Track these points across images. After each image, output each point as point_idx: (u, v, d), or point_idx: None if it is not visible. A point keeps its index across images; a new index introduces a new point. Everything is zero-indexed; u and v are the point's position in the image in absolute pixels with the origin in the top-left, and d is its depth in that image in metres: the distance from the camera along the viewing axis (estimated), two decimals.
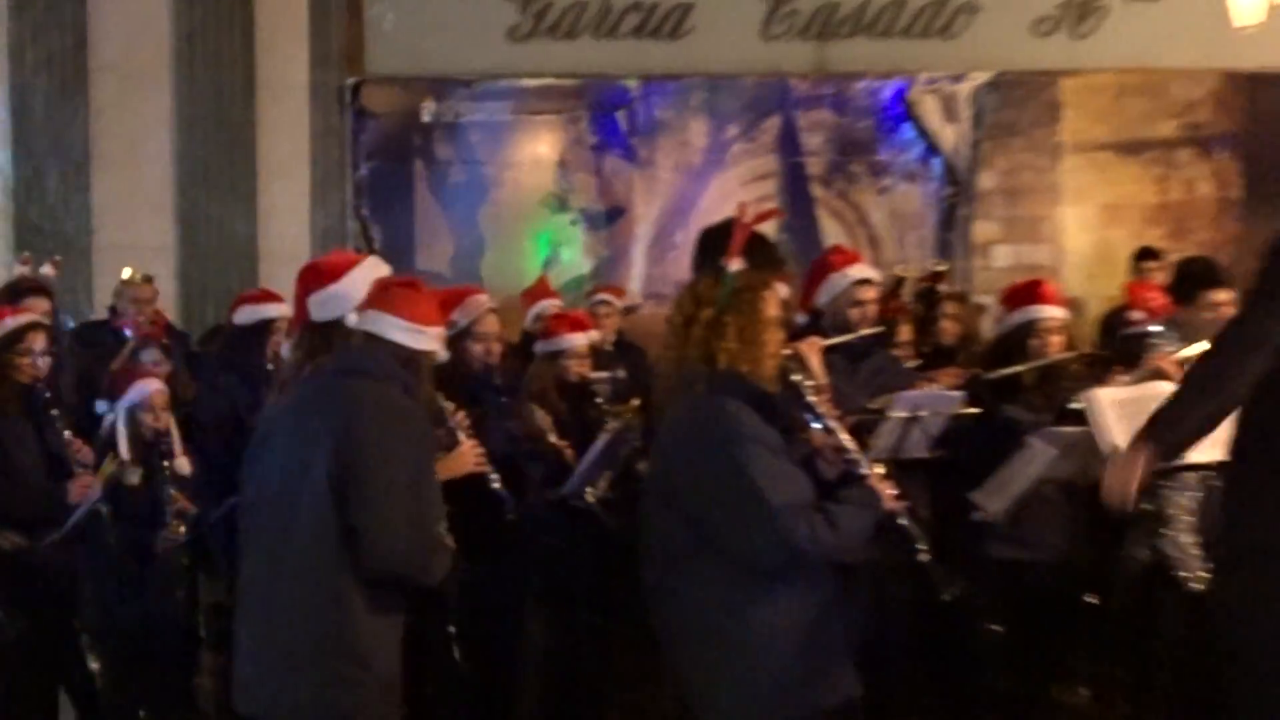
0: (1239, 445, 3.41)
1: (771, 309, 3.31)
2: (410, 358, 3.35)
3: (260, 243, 7.81)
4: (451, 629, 3.92)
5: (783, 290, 4.10)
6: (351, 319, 3.44)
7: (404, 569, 3.20)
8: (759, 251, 3.77)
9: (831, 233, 8.04)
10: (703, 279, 3.35)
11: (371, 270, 3.93)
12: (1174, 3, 8.02)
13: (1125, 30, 7.99)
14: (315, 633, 3.20)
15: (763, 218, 3.60)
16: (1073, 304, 7.65)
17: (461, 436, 3.98)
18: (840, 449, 3.34)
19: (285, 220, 7.90)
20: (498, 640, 4.49)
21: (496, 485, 4.06)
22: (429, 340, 3.37)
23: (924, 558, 3.40)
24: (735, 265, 3.32)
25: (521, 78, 8.12)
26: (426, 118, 8.14)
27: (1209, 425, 3.28)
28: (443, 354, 3.87)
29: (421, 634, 3.83)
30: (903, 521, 3.34)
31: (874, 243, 8.15)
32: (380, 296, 3.44)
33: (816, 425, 3.38)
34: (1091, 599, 4.90)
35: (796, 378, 3.40)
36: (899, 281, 6.51)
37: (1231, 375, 3.25)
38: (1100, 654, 5.53)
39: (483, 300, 4.51)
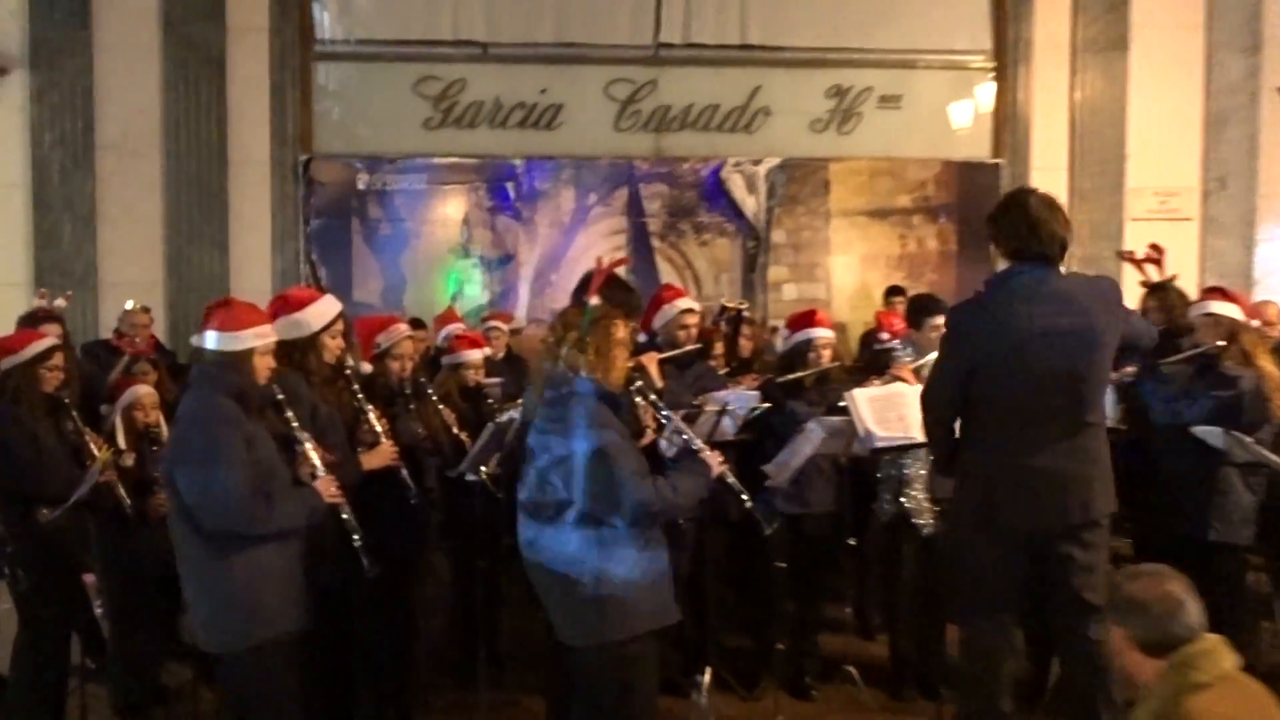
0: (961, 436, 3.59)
1: (620, 333, 3.33)
2: (234, 359, 3.20)
3: (232, 281, 7.63)
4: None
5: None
6: (193, 339, 3.40)
7: (232, 525, 3.09)
8: (615, 291, 3.76)
9: (666, 274, 8.06)
10: (570, 309, 3.36)
11: (329, 304, 3.84)
12: (910, 112, 8.27)
13: (875, 130, 8.24)
14: (196, 582, 3.19)
15: (615, 265, 3.62)
16: (840, 328, 7.83)
17: (381, 436, 3.89)
18: (678, 431, 3.38)
19: (252, 263, 7.74)
20: (408, 583, 4.41)
21: (404, 474, 3.98)
22: (245, 341, 3.23)
23: (748, 504, 3.44)
24: (594, 300, 3.32)
25: (434, 157, 8.01)
26: (361, 186, 7.97)
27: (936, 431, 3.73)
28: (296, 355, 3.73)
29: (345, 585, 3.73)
30: (729, 480, 3.38)
31: (697, 282, 8.19)
32: (206, 317, 3.33)
33: (660, 416, 3.41)
34: (852, 542, 5.00)
35: (641, 383, 3.42)
36: (723, 309, 6.54)
37: (937, 412, 3.67)
38: (861, 581, 5.63)
39: (401, 328, 4.42)
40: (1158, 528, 4.86)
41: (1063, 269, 3.53)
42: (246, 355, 3.21)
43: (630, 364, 3.92)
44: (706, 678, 4.57)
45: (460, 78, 7.98)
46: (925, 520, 4.67)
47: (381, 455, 3.84)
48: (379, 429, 3.88)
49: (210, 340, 3.21)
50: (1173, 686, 2.34)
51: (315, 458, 3.36)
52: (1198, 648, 2.36)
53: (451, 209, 8.11)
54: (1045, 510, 3.44)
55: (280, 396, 3.34)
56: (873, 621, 5.52)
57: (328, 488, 3.33)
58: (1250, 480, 4.44)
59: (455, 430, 4.66)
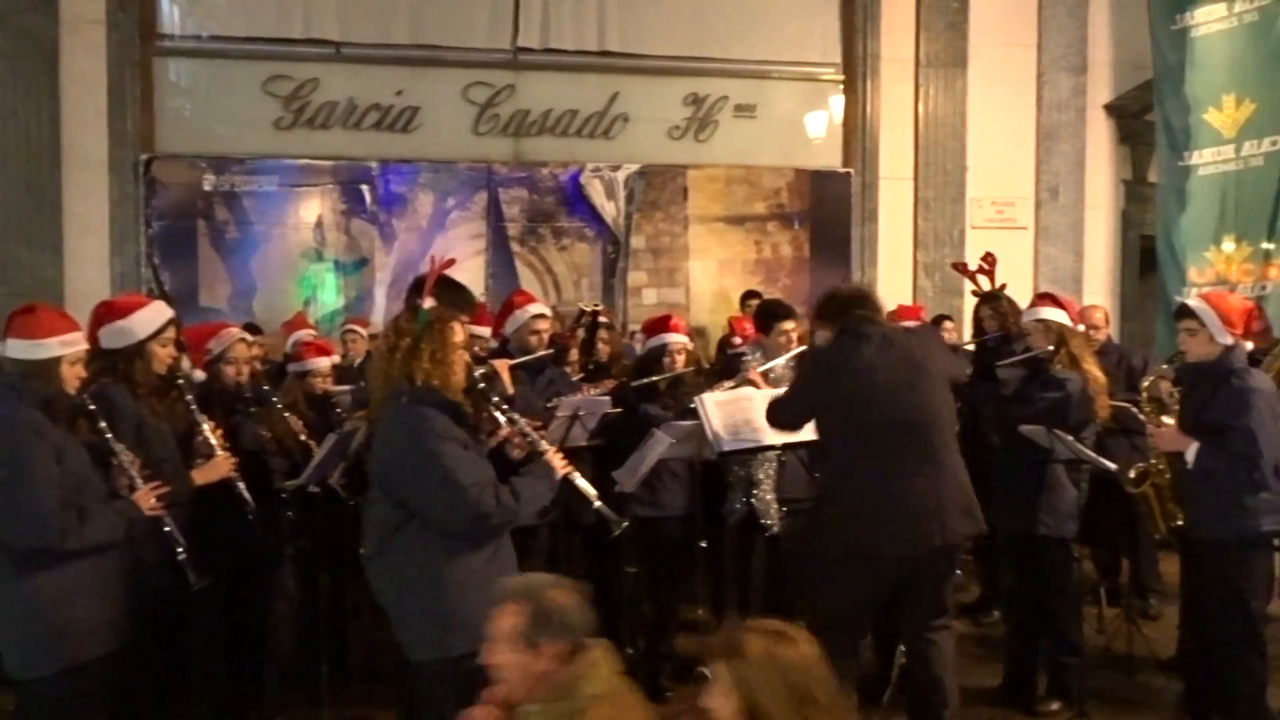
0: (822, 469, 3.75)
1: (457, 337, 3.23)
2: (39, 367, 3.05)
3: (66, 285, 7.22)
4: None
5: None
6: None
7: (40, 541, 2.92)
8: (449, 293, 3.66)
9: (526, 279, 7.95)
10: (403, 314, 3.24)
11: (158, 311, 3.64)
12: (764, 121, 8.39)
13: (732, 138, 8.32)
14: (2, 603, 3.01)
15: (444, 266, 3.50)
16: (699, 332, 7.90)
17: (216, 449, 3.70)
18: (524, 434, 3.30)
19: (88, 267, 7.34)
20: (258, 595, 4.23)
21: (240, 488, 3.78)
22: (50, 349, 3.07)
23: (597, 505, 3.38)
24: (428, 303, 3.22)
25: (285, 158, 7.71)
26: (208, 187, 7.62)
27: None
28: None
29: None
30: (577, 482, 3.32)
31: (557, 287, 8.11)
32: (7, 325, 3.16)
33: (506, 420, 3.33)
34: (704, 544, 5.00)
35: (483, 386, 3.33)
36: (581, 314, 6.48)
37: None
38: (714, 582, 5.64)
39: (233, 332, 4.22)
40: (993, 523, 5.03)
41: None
42: (53, 364, 3.02)
43: (483, 370, 3.84)
44: None
45: (312, 77, 7.72)
46: (773, 520, 4.73)
47: (215, 469, 3.65)
48: (213, 441, 3.68)
49: (13, 349, 2.99)
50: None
51: (133, 469, 3.15)
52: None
53: (304, 212, 7.82)
54: (908, 538, 3.63)
55: (92, 407, 3.12)
56: (728, 619, 5.54)
57: (146, 499, 3.14)
58: (1076, 477, 4.64)
59: (303, 438, 4.48)
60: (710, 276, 8.36)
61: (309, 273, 7.81)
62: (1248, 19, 7.09)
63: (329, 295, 7.87)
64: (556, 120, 8.06)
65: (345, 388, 5.24)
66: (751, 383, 4.63)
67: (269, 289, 7.69)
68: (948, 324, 7.09)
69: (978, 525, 3.80)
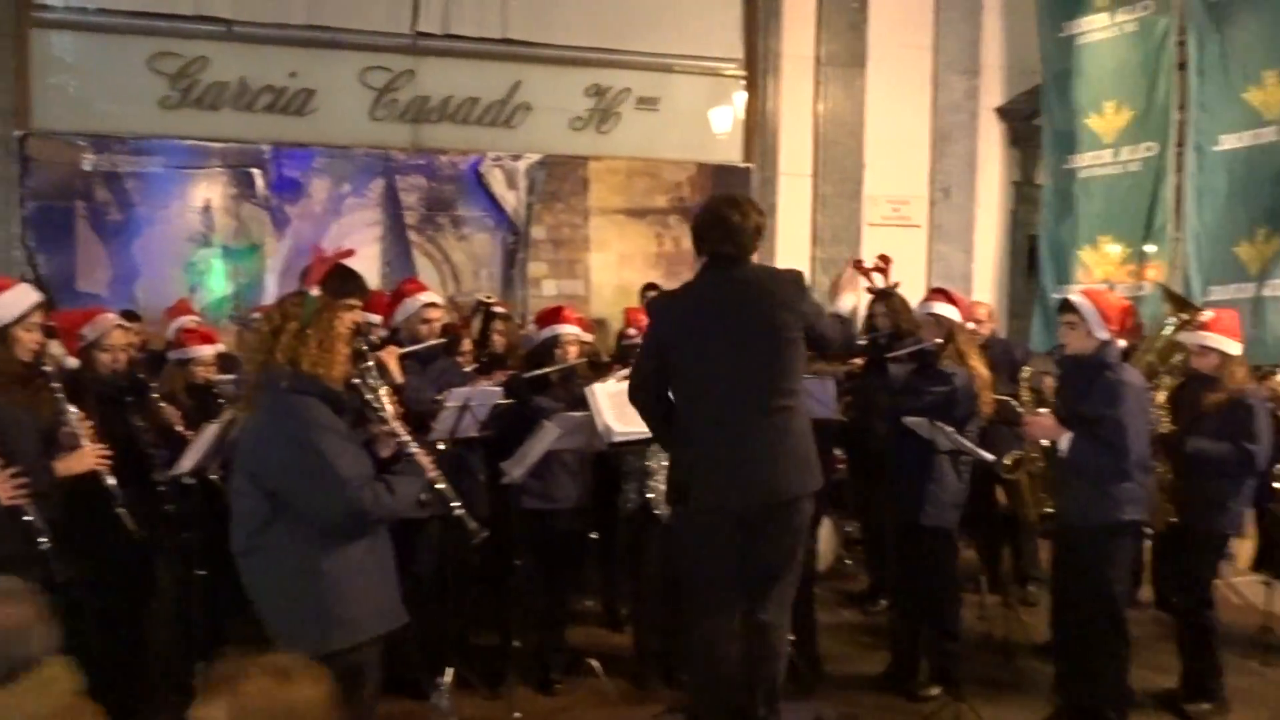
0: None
1: (344, 327, 3.17)
2: None
3: None
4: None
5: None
6: None
7: None
8: (339, 282, 3.60)
9: (424, 269, 7.84)
10: (289, 298, 3.16)
11: (22, 294, 3.51)
12: (666, 114, 8.43)
13: (633, 131, 8.34)
14: None
15: (340, 255, 3.43)
16: (600, 325, 7.90)
17: (83, 439, 3.56)
18: (393, 434, 3.25)
19: None
20: (132, 587, 4.09)
21: (110, 482, 3.66)
22: None
23: (459, 512, 3.36)
24: (315, 291, 3.15)
25: (171, 138, 7.45)
26: (87, 167, 7.30)
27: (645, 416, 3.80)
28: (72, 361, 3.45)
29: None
30: (439, 486, 3.29)
31: (456, 277, 8.03)
32: None
33: (376, 416, 3.28)
34: (594, 535, 5.02)
35: (357, 381, 3.27)
36: (478, 304, 6.43)
37: (640, 401, 3.76)
38: (607, 574, 5.67)
39: (108, 318, 4.08)
40: (882, 512, 5.17)
41: (755, 259, 3.69)
42: None
43: (368, 362, 3.77)
44: (448, 678, 4.47)
45: (201, 55, 7.47)
46: (666, 511, 4.75)
47: (81, 460, 3.52)
48: (80, 432, 3.55)
49: None
50: None
51: None
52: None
53: (191, 195, 7.57)
54: (733, 490, 3.55)
55: None
56: (620, 613, 5.58)
57: (4, 489, 3.00)
58: (960, 468, 4.78)
59: (180, 428, 4.35)
60: (611, 269, 8.36)
61: (195, 258, 7.57)
62: (1128, 28, 7.39)
63: (217, 282, 7.64)
64: (457, 108, 7.96)
65: (228, 377, 5.10)
66: None
67: (152, 275, 7.41)
68: None
69: (815, 482, 3.65)
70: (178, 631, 4.49)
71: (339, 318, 3.12)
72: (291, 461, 2.92)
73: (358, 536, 3.02)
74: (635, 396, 3.77)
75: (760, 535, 3.59)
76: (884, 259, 5.53)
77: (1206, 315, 4.75)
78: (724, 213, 3.66)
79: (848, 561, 6.90)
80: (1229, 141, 6.73)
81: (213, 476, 4.16)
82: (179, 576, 4.42)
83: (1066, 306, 4.21)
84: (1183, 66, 7.14)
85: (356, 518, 2.95)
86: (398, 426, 3.24)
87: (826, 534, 6.44)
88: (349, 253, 3.58)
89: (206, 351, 4.94)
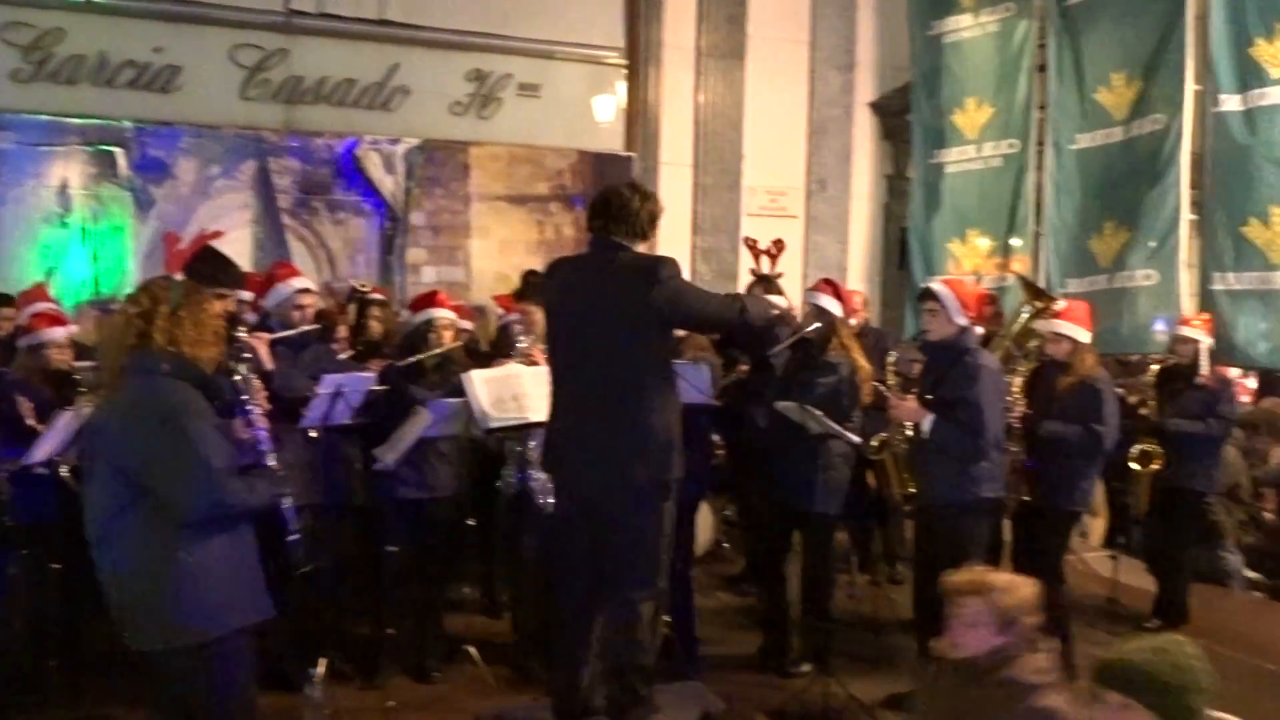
0: None
1: (214, 311, 3.09)
2: None
3: None
4: None
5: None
6: None
7: None
8: (210, 265, 3.52)
9: (298, 253, 7.67)
10: (156, 281, 3.07)
11: None
12: (548, 101, 8.40)
13: (515, 117, 8.29)
14: None
15: (207, 237, 3.35)
16: (480, 311, 7.85)
17: None
18: (256, 442, 3.20)
19: None
20: None
21: None
22: None
23: (293, 538, 3.33)
24: (179, 276, 3.08)
25: (24, 113, 7.07)
26: None
27: None
28: None
29: None
30: (282, 507, 3.26)
31: (332, 262, 7.86)
32: None
33: (241, 414, 3.22)
34: (472, 522, 5.00)
35: (231, 367, 3.21)
36: (353, 290, 6.33)
37: None
38: (486, 561, 5.65)
39: None
40: (762, 497, 5.27)
41: (642, 248, 3.73)
42: None
43: (240, 345, 3.68)
44: (321, 669, 4.40)
45: (57, 27, 7.09)
46: (545, 497, 4.76)
47: None
48: None
49: None
50: None
51: None
52: None
53: (47, 174, 7.23)
54: (579, 473, 3.63)
55: None
56: (500, 600, 5.57)
57: None
58: (846, 457, 4.91)
59: (31, 421, 4.16)
60: (491, 256, 8.32)
61: (52, 241, 7.23)
62: (990, 29, 7.70)
63: (75, 265, 7.31)
64: (332, 89, 7.77)
65: (89, 364, 4.89)
66: (534, 361, 4.66)
67: (4, 257, 7.07)
68: None
69: (668, 470, 3.62)
70: (29, 629, 4.29)
71: (207, 301, 3.04)
72: (160, 447, 2.83)
73: (218, 527, 2.95)
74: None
75: (606, 524, 3.63)
76: (777, 244, 5.65)
77: (1060, 305, 5.01)
78: (619, 192, 3.70)
79: (725, 545, 7.03)
80: (1083, 140, 7.09)
81: (64, 468, 3.98)
82: (30, 571, 4.22)
83: (927, 294, 4.39)
84: (1043, 68, 7.48)
85: (218, 508, 2.89)
86: (259, 419, 3.18)
87: (705, 518, 6.55)
88: (216, 234, 3.50)
89: (59, 334, 4.72)
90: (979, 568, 2.97)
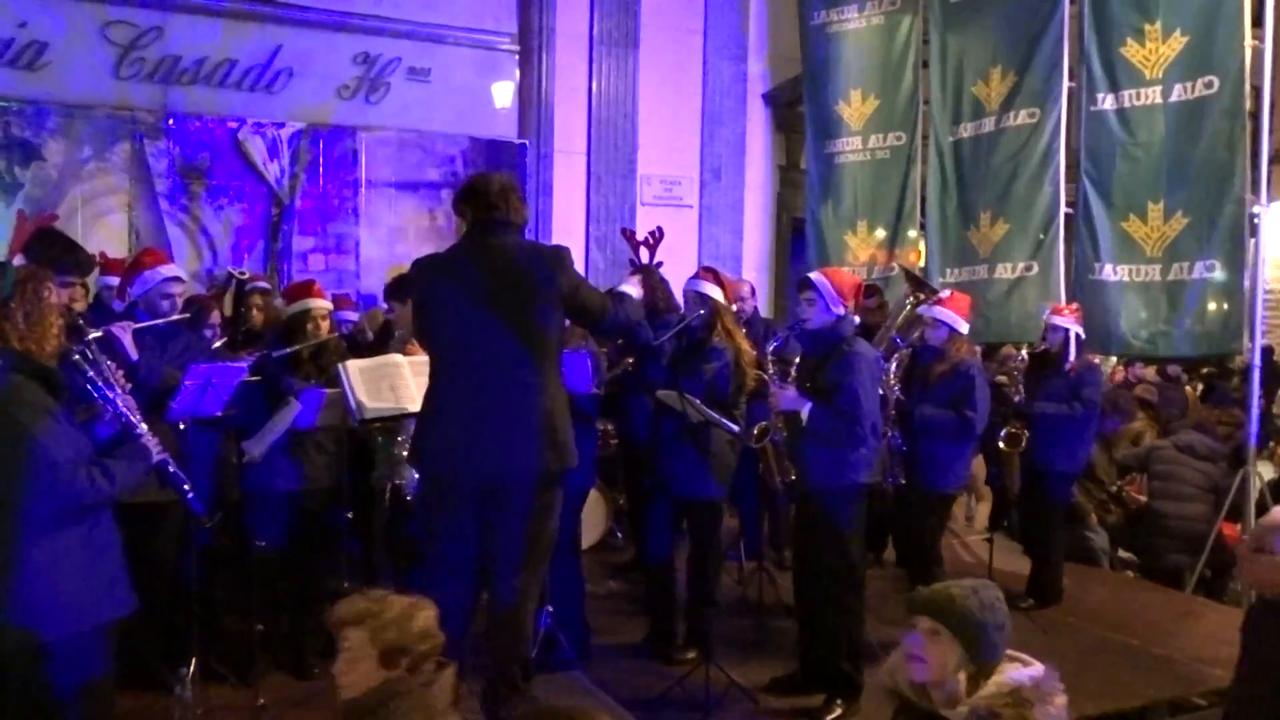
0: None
1: (52, 298, 2.97)
2: None
3: None
4: None
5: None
6: None
7: None
8: (50, 249, 3.38)
9: (177, 241, 7.41)
10: None
11: None
12: (439, 86, 8.30)
13: (405, 101, 8.18)
14: None
15: (40, 221, 3.21)
16: (369, 300, 7.72)
17: None
18: (118, 414, 3.09)
19: None
20: None
21: None
22: None
23: (188, 493, 3.23)
24: (17, 260, 2.94)
25: None
26: None
27: None
28: None
29: None
30: (169, 469, 3.16)
31: (214, 249, 7.61)
32: None
33: (99, 397, 3.10)
34: (350, 514, 4.93)
35: (76, 357, 3.09)
36: (229, 277, 6.15)
37: None
38: (367, 552, 5.57)
39: None
40: (651, 485, 5.30)
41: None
42: None
43: (97, 333, 3.56)
44: (191, 668, 4.29)
45: None
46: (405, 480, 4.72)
47: None
48: None
49: None
50: None
51: None
52: None
53: None
54: (469, 462, 3.57)
55: None
56: (381, 585, 5.48)
57: None
58: (733, 443, 4.96)
59: None
60: (382, 244, 8.16)
61: None
62: (875, 22, 7.87)
63: None
64: (213, 70, 7.55)
65: None
66: (411, 353, 4.61)
67: None
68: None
69: (562, 460, 3.66)
70: None
71: (46, 288, 2.92)
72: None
73: (71, 522, 2.85)
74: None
75: (499, 511, 3.61)
76: (657, 233, 5.65)
77: (944, 294, 5.16)
78: (497, 176, 3.77)
79: (618, 535, 7.06)
80: (959, 132, 7.30)
81: None
82: None
83: (805, 284, 4.46)
84: (927, 64, 7.67)
85: (68, 503, 2.79)
86: (124, 406, 3.07)
87: (597, 507, 6.57)
88: (51, 218, 3.36)
89: None
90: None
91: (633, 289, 4.17)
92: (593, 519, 6.32)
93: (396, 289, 5.11)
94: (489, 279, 3.59)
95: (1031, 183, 6.92)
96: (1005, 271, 7.19)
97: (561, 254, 3.74)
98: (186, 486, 3.19)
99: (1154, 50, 6.20)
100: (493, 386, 3.55)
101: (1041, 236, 6.96)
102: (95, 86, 7.26)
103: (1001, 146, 7.02)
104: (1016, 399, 5.71)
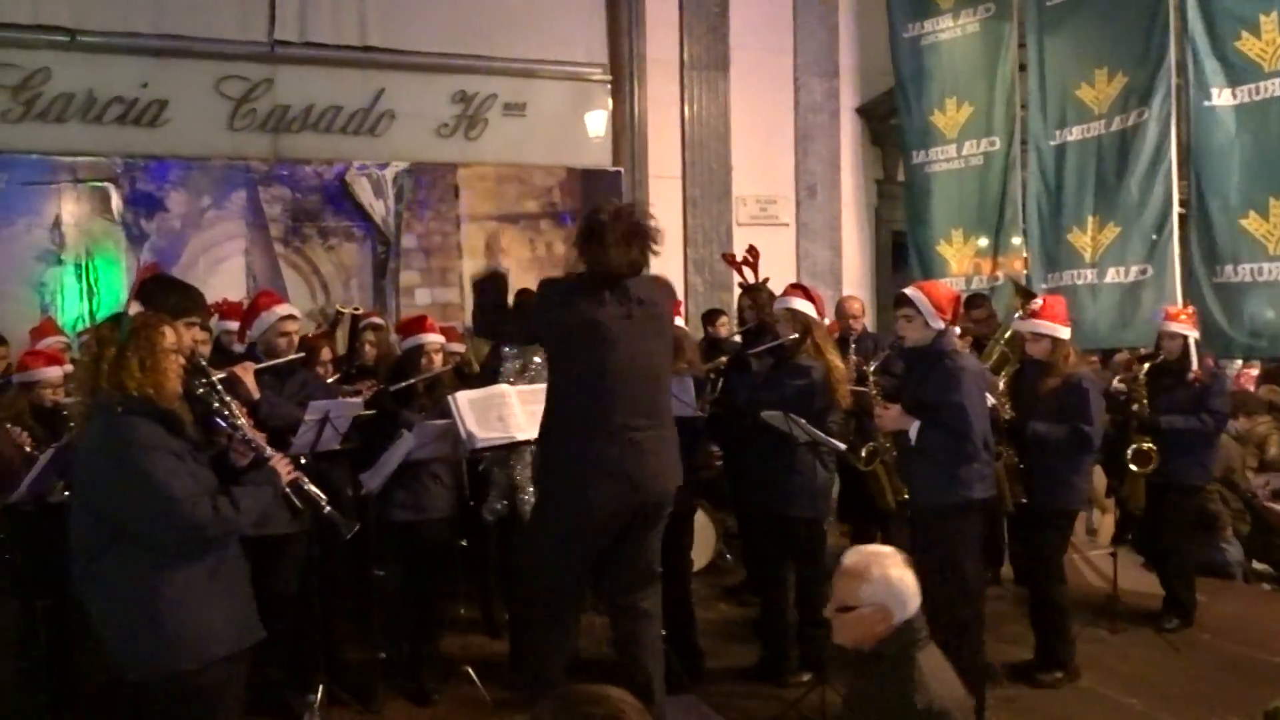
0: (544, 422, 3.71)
1: (168, 340, 3.09)
2: None
3: None
4: None
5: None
6: None
7: None
8: (160, 293, 3.54)
9: (291, 281, 7.69)
10: (104, 324, 3.10)
11: None
12: (534, 119, 8.45)
13: (501, 136, 8.34)
14: None
15: (145, 271, 3.37)
16: (473, 332, 7.85)
17: None
18: (245, 441, 3.21)
19: None
20: None
21: None
22: None
23: (327, 510, 3.33)
24: (133, 309, 3.09)
25: (14, 154, 7.13)
26: None
27: None
28: None
29: None
30: (305, 487, 3.25)
31: (326, 288, 7.87)
32: None
33: (227, 425, 3.23)
34: (465, 543, 5.01)
35: (201, 392, 3.22)
36: (337, 314, 6.36)
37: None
38: (482, 580, 5.66)
39: None
40: (752, 504, 5.27)
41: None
42: None
43: (220, 374, 3.70)
44: (319, 695, 4.42)
45: (44, 67, 7.18)
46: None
47: None
48: None
49: None
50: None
51: None
52: None
53: (40, 211, 7.26)
54: (617, 495, 3.62)
55: None
56: (498, 619, 5.57)
57: None
58: (825, 459, 4.91)
59: (28, 449, 4.20)
60: None
61: (46, 277, 7.26)
62: (970, 29, 7.73)
63: (71, 301, 7.34)
64: (319, 116, 7.84)
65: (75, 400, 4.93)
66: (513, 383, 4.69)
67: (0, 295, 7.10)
68: (722, 319, 7.37)
69: (680, 480, 3.81)
70: (19, 666, 4.29)
71: (160, 333, 3.04)
72: (120, 485, 2.86)
73: (198, 555, 2.96)
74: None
75: (639, 532, 3.72)
76: (752, 251, 5.64)
77: (1036, 304, 4.98)
78: (609, 206, 3.78)
79: (727, 556, 7.02)
80: (1063, 136, 7.10)
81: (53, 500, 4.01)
82: (21, 607, 4.23)
83: (902, 300, 4.38)
84: (1024, 68, 7.50)
85: (192, 536, 2.89)
86: (251, 433, 3.19)
87: (704, 529, 6.54)
88: (153, 265, 3.51)
89: (53, 374, 4.78)
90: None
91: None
92: (701, 542, 6.29)
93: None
94: (629, 309, 3.66)
95: (1143, 183, 6.69)
96: (1117, 275, 6.95)
97: (671, 287, 4.00)
98: (324, 500, 3.28)
99: (1271, 41, 5.94)
100: (640, 413, 3.64)
101: (1154, 238, 6.71)
102: (211, 139, 7.61)
103: (1111, 148, 6.81)
104: (1135, 408, 5.48)
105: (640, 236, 3.70)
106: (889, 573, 2.59)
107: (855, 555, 2.69)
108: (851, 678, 2.84)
